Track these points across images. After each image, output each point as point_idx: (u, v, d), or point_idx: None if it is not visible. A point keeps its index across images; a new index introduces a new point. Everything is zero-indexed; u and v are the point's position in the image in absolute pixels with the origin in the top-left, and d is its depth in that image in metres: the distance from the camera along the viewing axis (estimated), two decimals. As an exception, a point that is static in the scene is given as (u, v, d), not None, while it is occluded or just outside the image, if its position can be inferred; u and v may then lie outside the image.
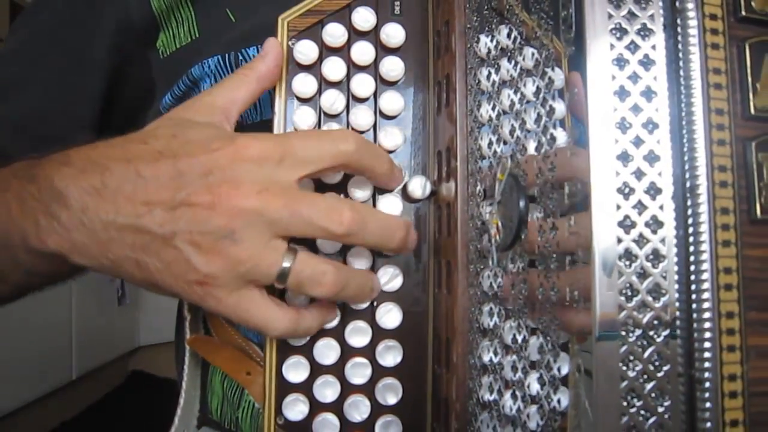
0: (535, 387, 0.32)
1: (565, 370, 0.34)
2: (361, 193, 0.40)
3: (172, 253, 0.32)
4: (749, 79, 0.25)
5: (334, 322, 0.39)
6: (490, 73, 0.37)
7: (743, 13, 0.25)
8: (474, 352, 0.36)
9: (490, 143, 0.37)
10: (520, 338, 0.33)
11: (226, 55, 0.45)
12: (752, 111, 0.25)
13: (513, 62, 0.35)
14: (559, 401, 0.30)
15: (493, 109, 0.37)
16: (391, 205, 0.40)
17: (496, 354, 0.35)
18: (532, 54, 0.33)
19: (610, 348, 0.24)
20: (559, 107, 0.34)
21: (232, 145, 0.33)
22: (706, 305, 0.23)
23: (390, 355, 0.39)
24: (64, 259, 0.35)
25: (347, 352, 0.39)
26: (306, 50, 0.41)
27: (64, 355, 1.87)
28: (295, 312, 0.36)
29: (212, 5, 0.46)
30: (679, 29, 0.25)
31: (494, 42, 0.37)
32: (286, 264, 0.33)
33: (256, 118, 0.45)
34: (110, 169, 0.33)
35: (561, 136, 0.33)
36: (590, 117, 0.24)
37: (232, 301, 0.33)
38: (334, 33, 0.41)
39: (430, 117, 0.41)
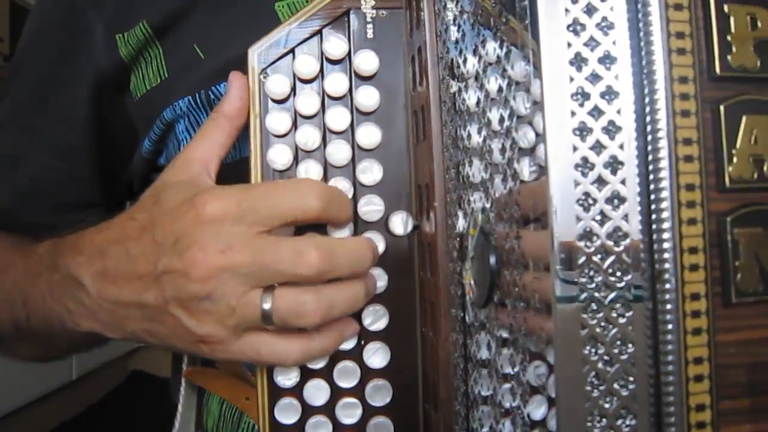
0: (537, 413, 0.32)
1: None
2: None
3: (170, 320, 0.34)
4: (724, 147, 0.23)
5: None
6: (465, 99, 0.35)
7: (717, 71, 0.23)
8: (460, 396, 0.36)
9: (468, 174, 0.35)
10: (510, 368, 0.32)
11: (197, 95, 0.44)
12: (727, 183, 0.23)
13: (486, 84, 0.33)
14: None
15: (470, 137, 0.35)
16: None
17: (486, 387, 0.35)
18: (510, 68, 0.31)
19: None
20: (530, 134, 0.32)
21: (193, 207, 0.33)
22: (671, 398, 0.22)
23: (379, 394, 0.39)
24: (99, 335, 0.39)
25: (336, 392, 0.39)
26: (278, 84, 0.39)
27: None
28: (303, 338, 0.36)
29: (179, 42, 0.45)
30: (646, 92, 0.23)
31: (472, 61, 0.35)
32: (266, 306, 0.33)
33: (236, 156, 0.44)
34: (107, 253, 0.36)
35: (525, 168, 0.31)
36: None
37: (237, 348, 0.35)
38: (306, 63, 0.39)
39: (410, 147, 0.40)
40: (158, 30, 0.45)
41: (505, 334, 0.31)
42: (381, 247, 0.39)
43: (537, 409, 0.29)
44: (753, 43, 0.23)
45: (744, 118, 0.23)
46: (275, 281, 0.33)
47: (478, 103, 0.32)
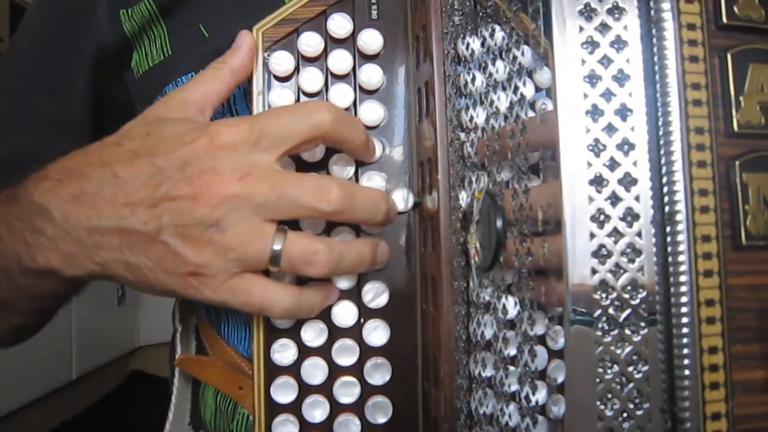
0: (535, 397, 0.31)
1: (561, 378, 0.33)
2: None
3: (160, 248, 0.32)
4: (732, 93, 0.23)
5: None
6: (466, 79, 0.35)
7: (724, 20, 0.23)
8: (461, 369, 0.35)
9: (470, 154, 0.35)
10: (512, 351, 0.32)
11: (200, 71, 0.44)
12: (735, 127, 0.23)
13: (490, 68, 0.33)
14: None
15: (470, 118, 0.35)
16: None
17: (486, 367, 0.34)
18: (514, 58, 0.32)
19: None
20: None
21: (205, 134, 0.32)
22: (685, 341, 0.22)
23: (378, 373, 0.38)
24: (57, 274, 0.35)
25: (335, 371, 0.38)
26: (282, 61, 0.40)
27: (64, 355, 1.86)
28: (296, 289, 0.35)
29: (185, 21, 0.45)
30: (654, 41, 0.23)
31: (474, 44, 0.35)
32: (276, 246, 0.32)
33: None
34: (87, 176, 0.33)
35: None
36: (562, 153, 0.23)
37: (228, 287, 0.33)
38: (310, 42, 0.40)
39: (412, 126, 0.40)
40: (163, 9, 0.45)
41: (511, 311, 0.31)
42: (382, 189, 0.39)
43: (539, 393, 0.29)
44: (758, -6, 0.23)
45: (751, 66, 0.23)
46: (291, 215, 0.32)
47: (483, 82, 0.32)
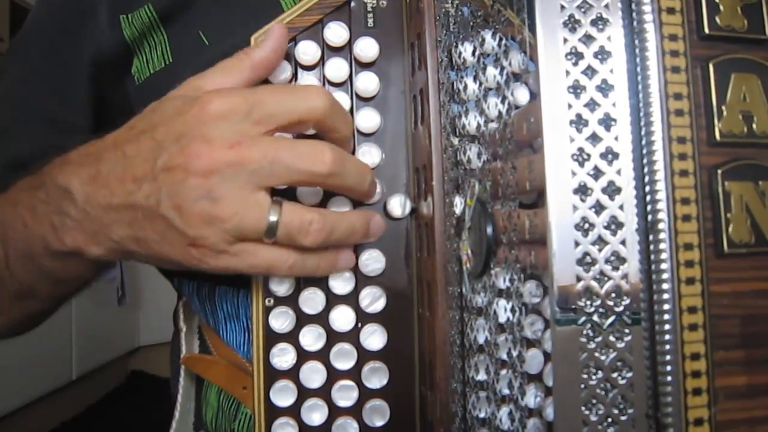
0: (524, 402, 0.32)
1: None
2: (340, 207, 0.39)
3: (161, 222, 0.33)
4: (714, 102, 0.23)
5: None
6: (458, 87, 0.36)
7: (706, 31, 0.23)
8: (456, 374, 0.36)
9: (469, 159, 0.36)
10: (512, 353, 0.32)
11: None
12: (718, 137, 0.23)
13: (480, 77, 0.34)
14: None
15: (462, 125, 0.36)
16: None
17: (479, 371, 0.35)
18: (502, 68, 0.32)
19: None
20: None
21: (197, 104, 0.32)
22: (668, 347, 0.22)
23: (376, 377, 0.39)
24: (83, 255, 0.36)
25: (333, 374, 0.39)
26: (280, 70, 0.40)
27: (64, 355, 1.86)
28: (298, 250, 0.35)
29: (185, 28, 0.46)
30: (637, 51, 0.24)
31: (466, 52, 0.36)
32: (273, 218, 0.32)
33: None
34: (102, 157, 0.35)
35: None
36: (546, 162, 0.23)
37: (232, 253, 0.33)
38: (307, 50, 0.40)
39: (408, 132, 0.40)
40: (163, 15, 0.46)
41: (501, 316, 0.31)
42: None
43: (528, 397, 0.29)
44: (740, 4, 0.24)
45: (733, 76, 0.23)
46: (286, 180, 0.32)
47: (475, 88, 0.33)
